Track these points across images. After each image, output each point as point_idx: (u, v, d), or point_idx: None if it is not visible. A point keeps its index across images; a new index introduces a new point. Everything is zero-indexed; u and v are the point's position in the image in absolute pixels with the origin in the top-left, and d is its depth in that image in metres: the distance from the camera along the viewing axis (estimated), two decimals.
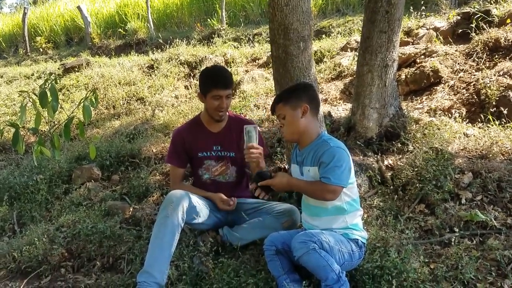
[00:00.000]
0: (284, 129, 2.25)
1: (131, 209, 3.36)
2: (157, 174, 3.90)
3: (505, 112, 3.53)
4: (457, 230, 2.42)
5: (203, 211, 2.60)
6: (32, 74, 8.35)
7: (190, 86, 6.49)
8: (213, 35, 8.62)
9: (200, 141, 2.77)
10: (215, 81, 2.62)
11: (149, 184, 3.67)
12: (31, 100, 2.12)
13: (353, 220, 2.16)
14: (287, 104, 2.20)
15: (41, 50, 11.39)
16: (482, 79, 3.97)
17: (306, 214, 2.29)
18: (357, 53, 3.83)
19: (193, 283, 2.37)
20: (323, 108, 3.92)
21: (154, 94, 6.41)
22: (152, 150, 4.30)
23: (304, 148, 2.23)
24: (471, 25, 4.83)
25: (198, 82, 2.85)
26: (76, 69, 7.67)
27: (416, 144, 3.27)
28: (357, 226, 2.17)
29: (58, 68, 8.00)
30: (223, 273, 2.33)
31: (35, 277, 2.75)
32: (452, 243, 2.33)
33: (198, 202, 2.57)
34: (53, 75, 2.16)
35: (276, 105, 2.25)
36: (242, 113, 4.81)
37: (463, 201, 2.72)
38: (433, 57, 4.66)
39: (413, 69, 4.58)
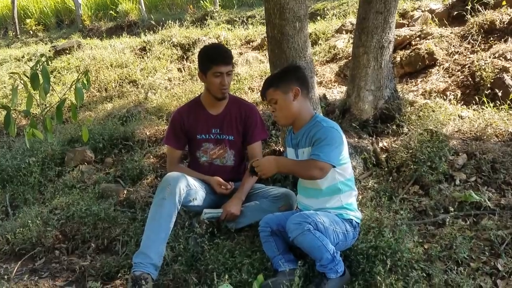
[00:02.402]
0: (277, 114, 2.22)
1: (125, 192, 3.35)
2: (151, 157, 3.87)
3: (499, 94, 3.53)
4: (451, 210, 2.43)
5: (199, 194, 2.59)
6: (23, 57, 8.22)
7: (183, 69, 6.42)
8: (206, 17, 8.52)
9: (200, 123, 2.75)
10: (215, 57, 2.59)
11: (143, 166, 3.64)
12: (22, 82, 2.09)
13: (347, 200, 2.17)
14: (278, 89, 2.17)
15: (31, 32, 11.21)
16: (477, 61, 3.97)
17: (301, 195, 2.29)
18: (353, 35, 3.80)
19: (188, 264, 2.37)
20: (318, 91, 3.89)
21: (147, 76, 6.34)
22: (146, 133, 4.27)
23: (299, 131, 2.22)
24: (467, 7, 4.80)
25: (197, 62, 2.81)
26: (67, 52, 7.55)
27: (411, 126, 3.27)
28: (351, 206, 2.18)
29: (49, 51, 7.87)
30: (218, 254, 2.34)
31: (29, 259, 2.75)
32: (446, 224, 2.35)
33: (195, 185, 2.56)
34: (44, 56, 2.12)
35: (267, 90, 2.21)
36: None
37: (457, 182, 2.73)
38: (429, 40, 4.64)
39: (408, 51, 4.56)
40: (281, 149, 3.28)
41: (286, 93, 2.16)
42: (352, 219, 2.15)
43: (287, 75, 2.22)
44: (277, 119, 2.28)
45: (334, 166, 2.08)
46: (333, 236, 2.03)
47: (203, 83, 2.75)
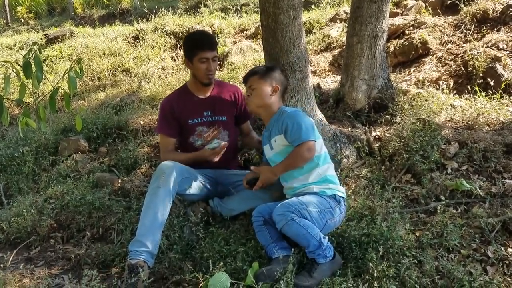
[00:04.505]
0: (251, 99, 2.40)
1: (119, 181, 3.35)
2: (145, 146, 3.87)
3: (492, 83, 3.57)
4: (443, 198, 2.47)
5: (194, 183, 2.60)
6: (14, 45, 8.12)
7: (177, 58, 6.39)
8: (200, 5, 8.45)
9: (190, 108, 2.76)
10: (200, 43, 2.62)
11: (137, 156, 3.64)
12: (14, 71, 2.08)
13: (326, 171, 2.27)
14: (262, 78, 2.36)
15: (23, 20, 11.07)
16: (469, 51, 3.99)
17: (284, 182, 2.36)
18: (347, 24, 3.80)
19: (183, 252, 2.39)
20: (312, 80, 3.90)
21: (140, 65, 6.30)
22: (140, 122, 4.26)
23: (269, 123, 2.40)
24: None
25: (182, 49, 2.83)
26: (60, 40, 7.49)
27: (404, 116, 3.29)
28: (333, 178, 2.28)
29: (41, 39, 7.79)
30: (213, 242, 2.36)
31: (25, 248, 2.76)
32: (438, 211, 2.38)
33: (190, 173, 2.57)
34: (36, 45, 2.11)
35: (251, 76, 2.40)
36: None
37: (449, 170, 2.77)
38: (422, 29, 4.65)
39: (402, 40, 4.57)
40: None
41: (267, 85, 2.36)
42: (335, 194, 2.21)
43: (274, 72, 2.42)
44: (248, 104, 2.46)
45: (315, 141, 2.21)
46: (319, 217, 2.10)
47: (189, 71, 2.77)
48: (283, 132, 2.26)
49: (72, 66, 2.12)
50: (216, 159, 2.65)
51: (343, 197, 2.26)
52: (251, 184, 2.42)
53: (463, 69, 3.94)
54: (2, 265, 2.53)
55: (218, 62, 5.69)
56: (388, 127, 3.27)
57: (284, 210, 2.06)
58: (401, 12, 5.38)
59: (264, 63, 3.12)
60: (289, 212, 2.03)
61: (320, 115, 3.06)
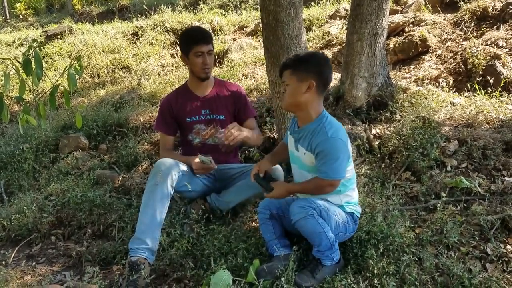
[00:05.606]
0: (285, 97, 2.10)
1: (120, 178, 3.36)
2: (146, 143, 3.88)
3: (491, 81, 3.58)
4: (442, 196, 2.47)
5: (192, 179, 2.61)
6: (13, 42, 8.09)
7: (177, 55, 6.38)
8: (199, 2, 8.43)
9: (188, 106, 2.79)
10: (195, 37, 2.67)
11: (138, 153, 3.65)
12: (14, 67, 2.08)
13: (347, 198, 2.15)
14: (294, 74, 2.03)
15: (21, 16, 11.03)
16: (469, 48, 3.99)
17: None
18: (347, 21, 3.80)
19: (184, 249, 2.40)
20: None
21: (140, 62, 6.29)
22: (140, 120, 4.27)
23: (303, 127, 2.11)
24: None
25: (179, 46, 2.85)
26: (59, 37, 7.46)
27: (404, 113, 3.30)
28: (352, 201, 2.18)
29: (40, 36, 7.76)
30: (214, 239, 2.37)
31: (26, 245, 2.77)
32: (437, 209, 2.39)
33: (187, 171, 2.58)
34: (36, 42, 2.11)
35: (285, 70, 2.08)
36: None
37: (449, 168, 2.78)
38: (422, 26, 4.65)
39: (402, 38, 4.57)
40: (276, 136, 3.30)
41: (300, 82, 2.02)
42: (353, 213, 2.15)
43: (310, 63, 2.05)
44: (282, 102, 2.18)
45: (341, 179, 2.05)
46: (334, 225, 2.04)
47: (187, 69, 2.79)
48: (314, 154, 2.03)
49: (72, 63, 2.12)
50: (198, 173, 2.64)
51: (359, 217, 2.21)
52: (262, 186, 2.24)
53: (462, 66, 3.94)
54: (3, 262, 2.54)
55: (218, 60, 5.72)
56: (388, 125, 3.28)
57: (306, 204, 1.99)
58: (401, 9, 5.38)
59: (264, 61, 3.11)
60: (310, 207, 1.98)
61: None
